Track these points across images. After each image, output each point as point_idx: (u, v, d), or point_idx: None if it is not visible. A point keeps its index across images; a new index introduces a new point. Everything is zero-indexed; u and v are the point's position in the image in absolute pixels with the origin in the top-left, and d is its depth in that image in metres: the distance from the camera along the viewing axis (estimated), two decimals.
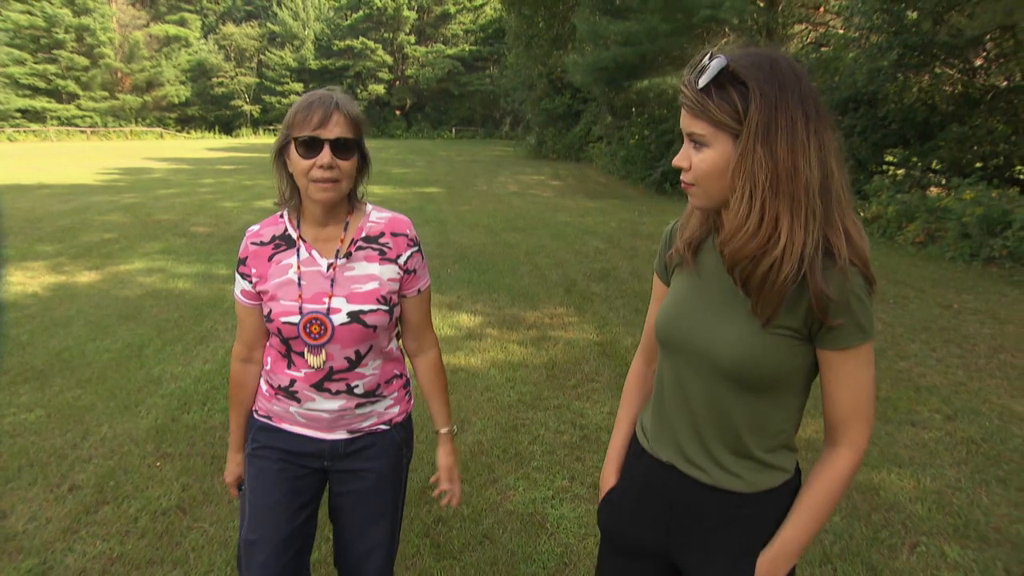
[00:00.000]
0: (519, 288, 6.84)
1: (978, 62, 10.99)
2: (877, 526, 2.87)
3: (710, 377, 1.20)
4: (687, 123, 1.12)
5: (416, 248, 1.63)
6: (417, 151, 32.34)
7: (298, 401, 1.61)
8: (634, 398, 1.50)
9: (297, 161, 1.46)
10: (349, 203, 1.59)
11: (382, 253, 1.58)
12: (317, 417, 1.62)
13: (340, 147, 1.45)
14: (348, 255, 1.56)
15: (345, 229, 1.58)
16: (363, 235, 1.58)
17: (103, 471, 3.24)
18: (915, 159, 11.04)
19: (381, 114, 55.03)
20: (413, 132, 52.62)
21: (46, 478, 3.17)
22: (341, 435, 1.65)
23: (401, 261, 1.60)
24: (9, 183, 16.01)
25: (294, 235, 1.57)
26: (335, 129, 1.44)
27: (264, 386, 1.68)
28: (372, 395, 1.64)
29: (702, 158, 1.11)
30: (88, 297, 6.29)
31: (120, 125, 48.14)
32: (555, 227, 10.68)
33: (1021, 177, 10.64)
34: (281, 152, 1.51)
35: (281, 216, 1.60)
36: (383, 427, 1.69)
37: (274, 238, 1.58)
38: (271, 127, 52.31)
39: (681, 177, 1.17)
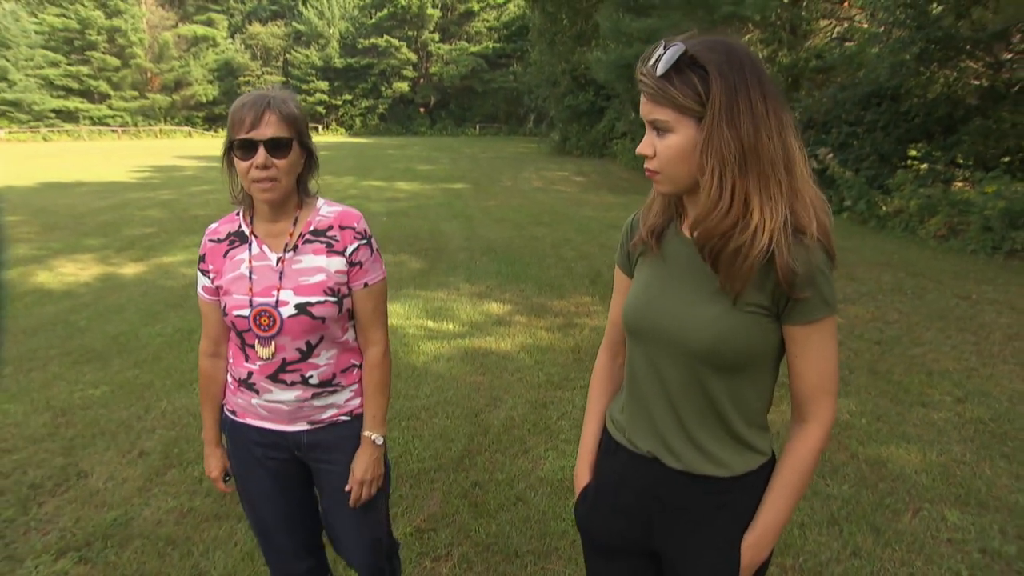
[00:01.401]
0: (546, 279, 7.07)
1: (1006, 56, 10.95)
2: (883, 493, 3.07)
3: (684, 361, 1.21)
4: (648, 111, 1.12)
5: (364, 241, 1.63)
6: (441, 148, 32.69)
7: (257, 392, 1.65)
8: (602, 393, 1.49)
9: (237, 163, 1.51)
10: (299, 198, 1.63)
11: (329, 246, 1.60)
12: (277, 409, 1.66)
13: (274, 147, 1.48)
14: (295, 248, 1.60)
15: (294, 224, 1.61)
16: (311, 229, 1.61)
17: (167, 440, 3.55)
18: (938, 153, 11.06)
19: (405, 111, 55.65)
20: (437, 129, 53.10)
21: (117, 445, 3.48)
22: (302, 426, 1.68)
23: (347, 253, 1.61)
24: (49, 181, 16.63)
25: (247, 231, 1.63)
26: (267, 130, 1.46)
27: (229, 380, 1.73)
28: (329, 384, 1.66)
29: (667, 144, 1.12)
30: (136, 286, 6.66)
31: (150, 124, 49.31)
32: (580, 221, 10.89)
33: None
34: (229, 152, 1.54)
35: (237, 214, 1.66)
36: (344, 418, 1.71)
37: (229, 235, 1.64)
38: None
39: (645, 165, 1.18)
